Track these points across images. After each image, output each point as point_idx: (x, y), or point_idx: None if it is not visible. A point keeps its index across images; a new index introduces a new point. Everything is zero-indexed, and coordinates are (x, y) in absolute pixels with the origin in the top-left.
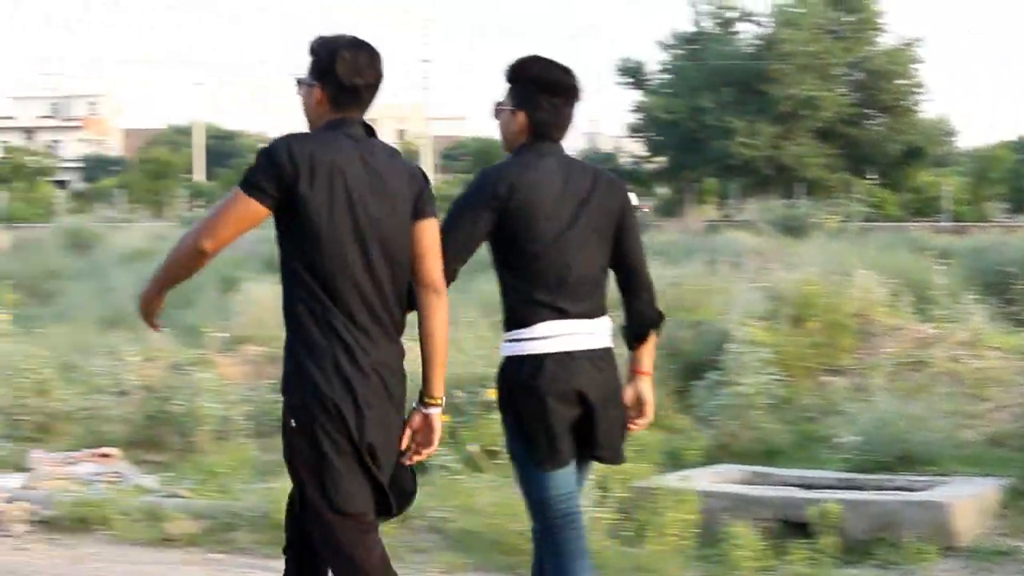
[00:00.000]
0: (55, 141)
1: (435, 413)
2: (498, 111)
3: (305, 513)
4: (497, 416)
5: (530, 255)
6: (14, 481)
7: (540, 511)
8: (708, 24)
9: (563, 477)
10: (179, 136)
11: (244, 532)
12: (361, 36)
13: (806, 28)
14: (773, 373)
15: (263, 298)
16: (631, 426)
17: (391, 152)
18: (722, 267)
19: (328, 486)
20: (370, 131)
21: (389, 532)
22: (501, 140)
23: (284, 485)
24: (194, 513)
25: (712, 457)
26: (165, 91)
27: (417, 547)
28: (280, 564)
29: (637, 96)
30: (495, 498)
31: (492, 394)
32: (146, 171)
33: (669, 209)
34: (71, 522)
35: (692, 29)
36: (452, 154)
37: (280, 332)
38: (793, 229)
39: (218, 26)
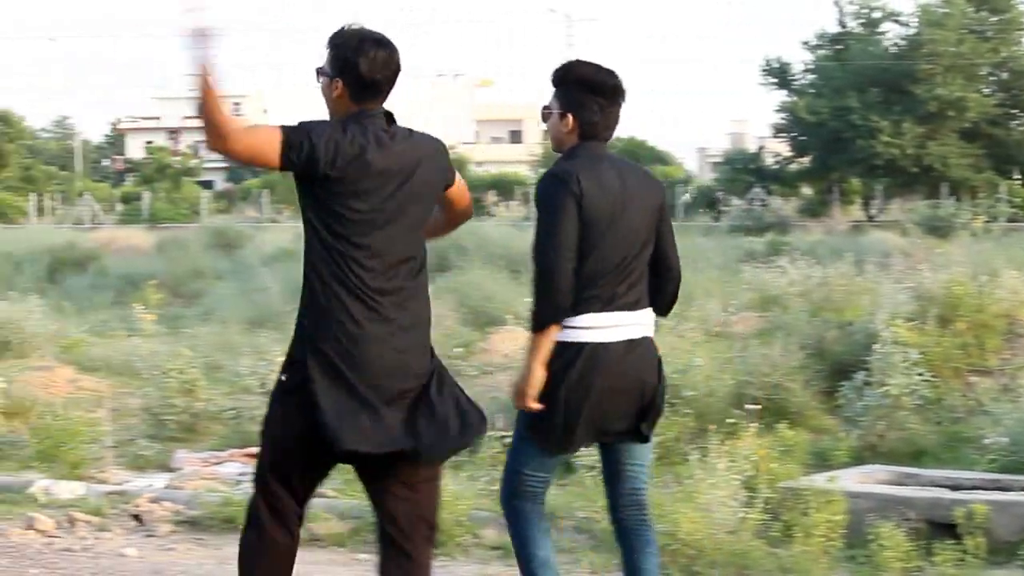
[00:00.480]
0: (200, 141)
1: None
2: (546, 114)
3: (257, 466)
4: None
5: (588, 250)
6: (159, 481)
7: (513, 480)
8: (853, 24)
9: (550, 463)
10: None
11: None
12: (377, 31)
13: (951, 28)
14: (921, 373)
15: None
16: None
17: (409, 133)
18: (869, 267)
19: (285, 445)
20: (390, 119)
21: None
22: (551, 142)
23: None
24: (341, 513)
25: (859, 458)
26: (308, 92)
27: (563, 547)
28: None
29: (782, 96)
30: None
31: None
32: None
33: (814, 209)
34: (217, 522)
35: (837, 29)
36: None
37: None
38: (938, 229)
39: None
